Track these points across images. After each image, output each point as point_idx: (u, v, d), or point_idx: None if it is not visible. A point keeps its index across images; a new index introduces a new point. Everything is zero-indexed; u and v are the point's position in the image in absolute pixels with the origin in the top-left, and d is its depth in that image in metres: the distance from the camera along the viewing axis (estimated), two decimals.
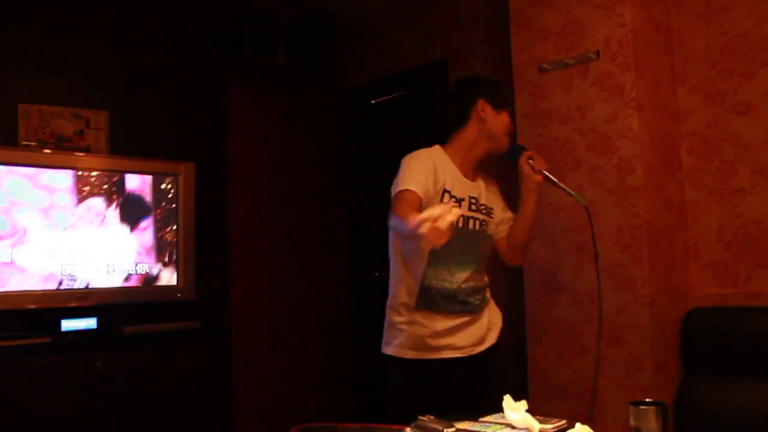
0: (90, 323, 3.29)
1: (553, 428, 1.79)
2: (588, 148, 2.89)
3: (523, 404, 1.82)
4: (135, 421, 3.21)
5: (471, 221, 2.32)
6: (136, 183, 3.57)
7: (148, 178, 3.62)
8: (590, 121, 2.88)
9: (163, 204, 3.64)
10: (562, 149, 2.97)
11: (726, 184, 2.89)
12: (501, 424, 1.81)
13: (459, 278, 2.30)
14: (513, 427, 1.78)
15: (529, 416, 1.79)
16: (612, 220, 2.80)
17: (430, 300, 2.29)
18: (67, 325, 3.23)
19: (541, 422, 1.80)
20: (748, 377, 2.61)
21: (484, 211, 2.36)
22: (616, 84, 2.80)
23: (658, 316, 2.73)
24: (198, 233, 3.74)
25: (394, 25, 4.37)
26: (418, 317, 2.31)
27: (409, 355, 2.32)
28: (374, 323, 4.42)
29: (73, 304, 3.30)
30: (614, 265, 2.79)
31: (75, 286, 3.33)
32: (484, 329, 2.38)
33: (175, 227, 3.66)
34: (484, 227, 2.36)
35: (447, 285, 2.29)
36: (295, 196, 4.42)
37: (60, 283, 3.29)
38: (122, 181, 3.52)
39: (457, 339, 2.32)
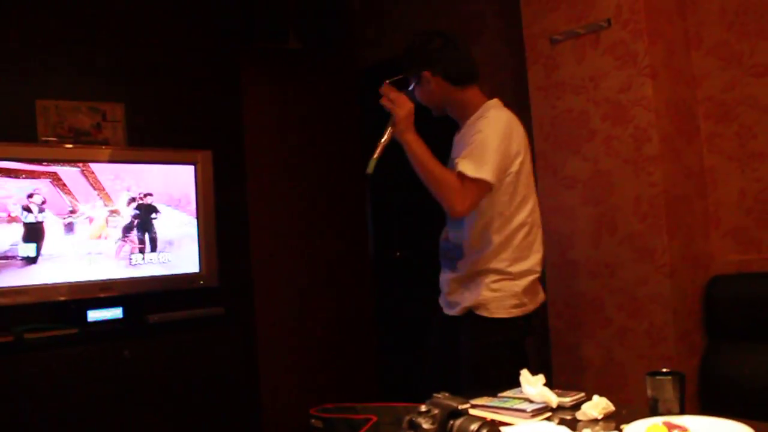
0: (115, 313, 3.35)
1: (571, 401, 1.79)
2: (603, 118, 2.86)
3: (540, 378, 1.82)
4: (163, 407, 3.26)
5: None
6: (155, 173, 3.60)
7: (167, 168, 3.64)
8: (604, 91, 2.85)
9: (183, 192, 3.67)
10: (576, 120, 2.94)
11: (745, 149, 2.84)
12: (519, 398, 1.82)
13: (446, 233, 2.47)
14: (531, 401, 1.78)
15: (546, 390, 1.79)
16: (630, 190, 2.78)
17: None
18: (94, 315, 3.29)
19: (559, 395, 1.80)
20: None
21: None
22: (628, 52, 2.76)
23: (679, 285, 2.71)
24: (218, 220, 3.77)
25: (404, 2, 4.33)
26: None
27: None
28: (398, 303, 4.47)
29: (98, 295, 3.35)
30: (633, 235, 2.77)
31: (100, 278, 3.38)
32: (449, 293, 2.45)
33: (195, 214, 3.69)
34: None
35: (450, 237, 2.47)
36: (313, 177, 4.43)
37: (85, 275, 3.34)
38: (141, 172, 3.55)
39: (441, 294, 2.51)
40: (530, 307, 2.37)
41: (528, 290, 2.35)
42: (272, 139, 4.32)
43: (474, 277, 2.35)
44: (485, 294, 2.31)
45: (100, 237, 3.40)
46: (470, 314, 2.34)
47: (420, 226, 4.24)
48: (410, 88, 2.42)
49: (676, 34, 2.91)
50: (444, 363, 2.45)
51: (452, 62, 2.40)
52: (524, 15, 3.14)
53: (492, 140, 2.24)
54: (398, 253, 4.48)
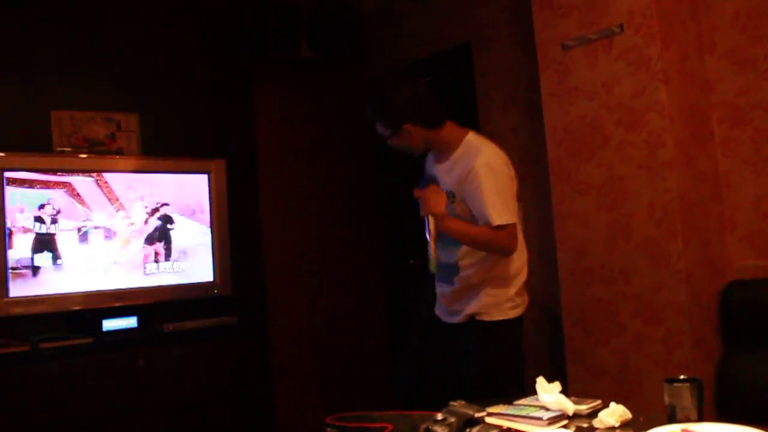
0: (130, 322, 3.36)
1: (588, 409, 1.78)
2: (616, 123, 2.85)
3: (556, 386, 1.81)
4: (177, 416, 3.27)
5: None
6: (169, 182, 3.62)
7: (180, 177, 3.66)
8: (617, 96, 2.84)
9: (196, 201, 3.69)
10: (589, 126, 2.93)
11: (760, 153, 2.82)
12: (535, 406, 1.81)
13: (442, 254, 2.53)
14: (547, 409, 1.77)
15: (563, 397, 1.78)
16: (644, 196, 2.76)
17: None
18: (108, 324, 3.30)
19: (575, 403, 1.79)
20: None
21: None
22: (641, 57, 2.75)
23: (695, 291, 2.68)
24: (232, 228, 3.78)
25: (416, 10, 4.34)
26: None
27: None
28: (411, 310, 4.45)
29: (113, 304, 3.37)
30: (648, 241, 2.75)
31: (115, 287, 3.40)
32: (449, 303, 2.58)
33: (209, 223, 3.70)
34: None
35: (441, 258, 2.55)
36: (326, 186, 4.44)
37: (100, 285, 3.36)
38: (155, 182, 3.57)
39: (439, 306, 2.65)
40: (523, 307, 2.56)
41: (519, 293, 2.54)
42: (285, 148, 4.33)
43: (471, 288, 2.51)
44: (485, 300, 2.49)
45: (114, 247, 3.42)
46: (472, 320, 2.51)
47: None
48: (389, 136, 2.49)
49: (690, 39, 2.90)
50: (446, 370, 2.60)
51: (426, 108, 2.47)
52: (536, 21, 3.14)
53: (502, 185, 2.41)
54: (411, 261, 4.47)
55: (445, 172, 2.51)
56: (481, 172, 2.37)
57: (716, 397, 2.64)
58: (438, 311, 2.68)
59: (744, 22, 2.85)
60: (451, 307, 2.58)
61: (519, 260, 2.53)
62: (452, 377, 2.54)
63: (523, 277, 2.55)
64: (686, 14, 2.91)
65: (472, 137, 2.50)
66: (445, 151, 2.51)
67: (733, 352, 2.70)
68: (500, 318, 2.48)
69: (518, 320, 2.53)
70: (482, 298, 2.48)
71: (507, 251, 2.43)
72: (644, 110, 2.76)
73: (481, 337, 2.49)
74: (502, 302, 2.49)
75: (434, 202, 2.40)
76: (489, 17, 3.84)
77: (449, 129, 2.51)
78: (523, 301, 2.56)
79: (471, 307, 2.50)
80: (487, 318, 2.48)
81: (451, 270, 2.53)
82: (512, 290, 2.50)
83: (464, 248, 2.49)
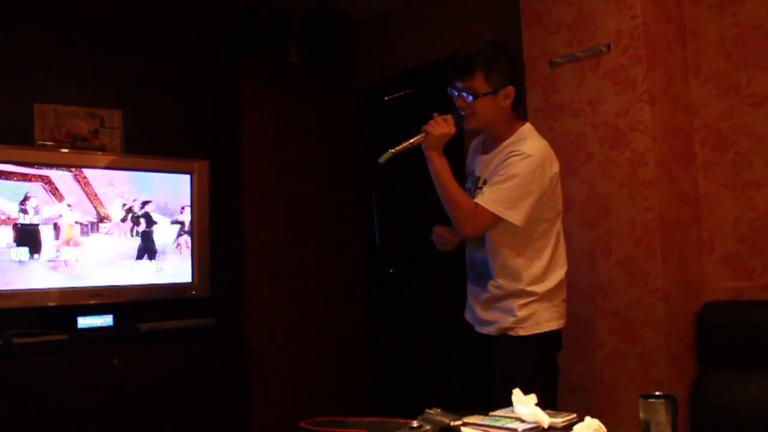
0: (106, 320, 3.33)
1: (563, 422, 1.79)
2: (600, 141, 2.88)
3: (532, 398, 1.82)
4: (151, 417, 3.23)
5: None
6: (150, 181, 3.59)
7: (162, 176, 3.64)
8: (602, 115, 2.87)
9: (177, 201, 3.66)
10: (573, 143, 2.96)
11: (740, 177, 2.86)
12: (511, 417, 1.81)
13: (470, 251, 2.52)
14: (522, 421, 1.78)
15: (538, 410, 1.79)
16: (625, 214, 2.79)
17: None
18: (84, 322, 3.26)
19: (550, 416, 1.80)
20: (763, 371, 2.59)
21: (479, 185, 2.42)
22: (627, 77, 2.78)
23: (672, 310, 2.71)
24: (212, 230, 3.76)
25: (407, 21, 4.37)
26: None
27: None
28: (389, 318, 4.46)
29: (89, 302, 3.33)
30: (627, 259, 2.77)
31: (91, 284, 3.36)
32: (480, 311, 2.45)
33: (189, 224, 3.68)
34: None
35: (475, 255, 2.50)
36: (309, 192, 4.43)
37: (76, 281, 3.32)
38: (136, 180, 3.55)
39: (470, 311, 2.53)
40: (563, 320, 2.45)
41: (560, 306, 2.43)
42: (269, 152, 4.32)
43: (504, 298, 2.38)
44: (520, 314, 2.35)
45: (91, 244, 3.39)
46: (505, 336, 2.37)
47: (412, 245, 4.24)
48: (479, 97, 2.35)
49: (676, 62, 2.94)
50: (471, 379, 2.47)
51: (522, 86, 2.50)
52: (525, 37, 3.17)
53: (524, 181, 2.28)
54: (391, 270, 4.48)
55: (488, 161, 2.41)
56: (515, 160, 2.28)
57: (690, 416, 2.66)
58: (468, 316, 2.54)
59: (729, 48, 2.90)
60: (483, 316, 2.44)
61: (558, 271, 2.42)
62: (475, 389, 2.40)
63: (562, 291, 2.44)
64: (673, 38, 2.95)
65: (526, 128, 2.42)
66: (502, 137, 2.41)
67: (707, 372, 2.73)
68: (536, 332, 2.35)
69: (557, 333, 2.42)
70: (517, 311, 2.34)
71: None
72: (628, 129, 2.79)
73: (513, 352, 2.34)
74: (539, 314, 2.36)
75: (440, 124, 2.32)
76: (478, 31, 3.87)
77: (513, 118, 2.44)
78: (564, 314, 2.45)
79: (504, 321, 2.36)
80: (522, 333, 2.34)
81: (484, 270, 2.42)
82: (550, 304, 2.38)
83: (501, 257, 2.37)
